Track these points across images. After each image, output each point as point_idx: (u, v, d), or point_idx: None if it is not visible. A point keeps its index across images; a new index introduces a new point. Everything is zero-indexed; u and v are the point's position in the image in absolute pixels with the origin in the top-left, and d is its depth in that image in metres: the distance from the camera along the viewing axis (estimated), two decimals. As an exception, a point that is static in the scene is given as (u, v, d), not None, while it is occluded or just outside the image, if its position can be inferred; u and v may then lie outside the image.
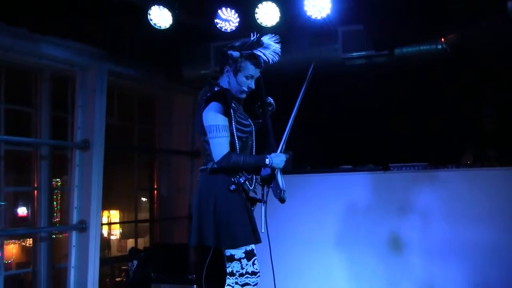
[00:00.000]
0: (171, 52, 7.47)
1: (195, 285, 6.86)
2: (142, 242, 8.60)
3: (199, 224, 3.72)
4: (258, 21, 5.88)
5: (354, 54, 6.63)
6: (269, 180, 3.81)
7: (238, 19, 6.01)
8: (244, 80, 3.78)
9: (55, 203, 7.17)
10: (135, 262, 7.35)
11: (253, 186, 3.81)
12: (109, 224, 8.43)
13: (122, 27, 7.05)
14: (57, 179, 7.33)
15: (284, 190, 3.78)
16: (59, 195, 7.29)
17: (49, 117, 6.83)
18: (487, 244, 5.88)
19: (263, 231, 3.74)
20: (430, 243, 6.15)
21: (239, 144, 3.73)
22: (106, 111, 6.99)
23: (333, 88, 7.28)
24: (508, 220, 5.87)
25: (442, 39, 6.29)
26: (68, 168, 6.99)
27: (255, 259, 3.70)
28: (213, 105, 3.65)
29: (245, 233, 3.67)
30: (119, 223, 8.71)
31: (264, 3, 5.82)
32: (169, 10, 5.96)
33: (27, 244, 7.18)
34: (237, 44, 3.80)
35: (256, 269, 3.71)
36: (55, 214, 7.20)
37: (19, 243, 7.24)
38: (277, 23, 5.89)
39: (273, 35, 3.82)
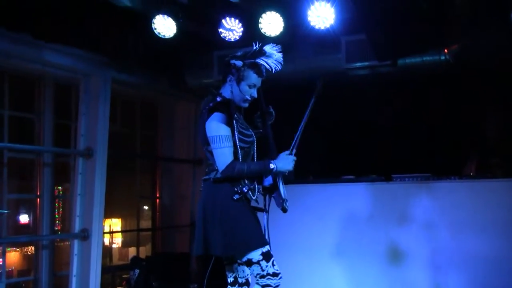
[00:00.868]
0: (175, 60, 7.49)
1: (196, 294, 6.85)
2: (144, 251, 8.59)
3: (204, 234, 3.69)
4: (261, 30, 5.90)
5: (357, 64, 6.64)
6: (272, 190, 3.80)
7: (241, 29, 6.03)
8: (247, 89, 3.79)
9: (57, 210, 7.17)
10: (137, 271, 7.34)
11: (255, 196, 3.79)
12: (111, 232, 8.42)
13: (126, 35, 7.06)
14: (60, 187, 7.34)
15: (286, 200, 3.77)
16: (61, 203, 7.29)
17: (52, 124, 6.85)
18: (489, 255, 5.87)
19: None
20: (432, 254, 6.14)
21: (241, 154, 3.72)
22: (109, 118, 6.99)
23: (336, 98, 7.27)
24: (510, 231, 5.86)
25: (445, 50, 6.29)
26: (71, 176, 6.99)
27: (273, 260, 3.67)
28: (216, 115, 3.65)
29: (259, 235, 3.67)
30: (121, 231, 8.70)
31: (268, 13, 5.83)
32: (173, 19, 5.98)
33: (29, 252, 7.18)
34: (239, 53, 3.82)
35: (277, 270, 3.67)
36: (57, 222, 7.19)
37: (20, 251, 7.24)
38: (281, 33, 5.90)
39: (275, 44, 3.83)
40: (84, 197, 6.79)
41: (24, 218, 7.10)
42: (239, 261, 3.80)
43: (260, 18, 5.87)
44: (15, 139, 6.52)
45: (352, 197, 6.58)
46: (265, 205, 3.82)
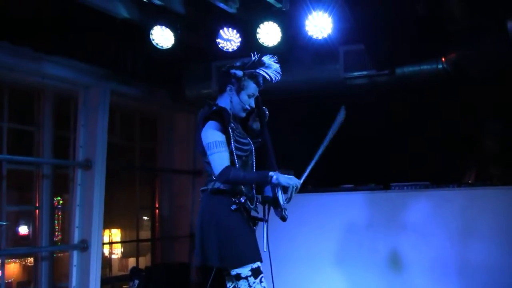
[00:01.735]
0: (173, 71, 7.51)
1: (196, 305, 6.83)
2: (144, 261, 8.58)
3: (202, 245, 3.70)
4: (259, 41, 5.91)
5: (355, 73, 6.67)
6: (272, 199, 3.76)
7: (239, 39, 6.04)
8: (247, 98, 3.82)
9: (56, 222, 7.16)
10: (136, 281, 7.33)
11: (254, 205, 3.78)
12: (111, 243, 8.41)
13: (125, 47, 7.08)
14: (59, 198, 7.33)
15: (285, 209, 3.74)
16: (61, 214, 7.28)
17: (52, 136, 6.85)
18: (488, 263, 5.87)
19: (265, 250, 3.72)
20: (431, 262, 6.14)
21: (239, 163, 3.72)
22: (108, 130, 7.00)
23: (334, 107, 7.28)
24: (509, 239, 5.86)
25: (443, 59, 6.31)
26: (70, 187, 6.99)
27: (262, 277, 3.66)
28: (210, 123, 3.66)
29: (251, 251, 3.66)
30: (121, 242, 8.69)
31: (265, 23, 5.84)
32: (171, 30, 5.99)
33: (28, 263, 7.17)
34: (238, 63, 3.85)
35: (264, 287, 3.67)
36: (56, 233, 7.19)
37: (20, 262, 7.23)
38: (279, 43, 5.92)
39: (272, 55, 3.86)
40: (83, 208, 6.79)
41: (23, 230, 7.10)
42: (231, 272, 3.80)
43: (258, 29, 5.88)
44: (14, 151, 6.53)
45: (351, 206, 6.58)
46: (264, 214, 3.79)
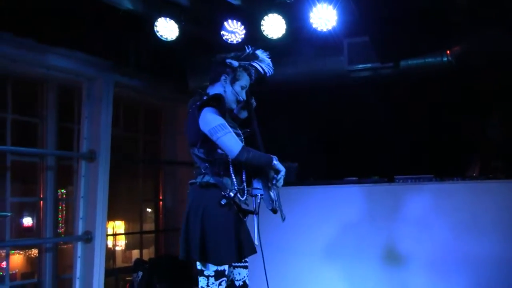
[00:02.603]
0: (177, 63, 7.50)
1: (199, 297, 6.83)
2: (147, 253, 8.59)
3: (186, 238, 3.66)
4: (264, 33, 5.90)
5: (360, 66, 6.66)
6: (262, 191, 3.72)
7: (244, 31, 6.03)
8: (240, 89, 3.83)
9: (60, 213, 7.17)
10: (140, 273, 7.35)
11: (244, 197, 3.73)
12: (114, 235, 8.43)
13: (129, 39, 7.08)
14: (63, 190, 7.35)
15: (275, 201, 3.70)
16: (65, 206, 7.30)
17: (56, 128, 6.85)
18: (492, 256, 5.87)
19: (256, 243, 3.67)
20: (434, 255, 6.14)
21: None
22: (112, 122, 7.00)
23: (338, 100, 7.29)
24: (513, 233, 5.86)
25: (447, 51, 6.30)
26: (74, 179, 7.00)
27: (222, 281, 3.63)
28: (208, 109, 3.63)
29: (228, 252, 3.61)
30: (124, 234, 8.71)
31: (270, 15, 5.83)
32: (175, 22, 5.99)
33: (32, 255, 7.19)
34: (232, 54, 3.86)
35: None
36: (60, 224, 7.20)
37: (24, 254, 7.25)
38: (283, 35, 5.91)
39: (264, 50, 3.89)
40: (87, 200, 6.81)
41: (27, 221, 7.10)
42: (233, 264, 3.78)
43: (262, 21, 5.87)
44: (18, 142, 6.54)
45: (354, 199, 6.58)
46: (255, 207, 3.73)
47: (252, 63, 3.81)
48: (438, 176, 6.41)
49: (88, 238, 6.73)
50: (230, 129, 3.62)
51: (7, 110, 6.44)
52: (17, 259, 7.16)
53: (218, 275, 3.62)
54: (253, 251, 3.73)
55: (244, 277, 3.88)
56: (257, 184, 3.73)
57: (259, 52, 3.85)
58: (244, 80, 3.83)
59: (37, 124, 6.80)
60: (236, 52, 3.88)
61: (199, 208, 3.63)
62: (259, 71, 3.83)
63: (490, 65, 6.56)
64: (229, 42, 6.07)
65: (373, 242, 6.38)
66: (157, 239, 8.76)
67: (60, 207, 7.17)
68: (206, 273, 3.63)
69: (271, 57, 3.89)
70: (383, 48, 6.41)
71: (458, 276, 6.00)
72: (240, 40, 6.05)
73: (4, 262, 6.44)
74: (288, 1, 5.59)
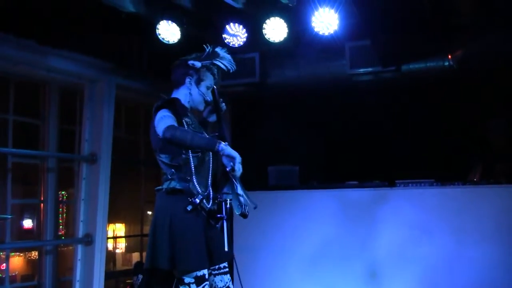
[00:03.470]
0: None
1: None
2: (148, 256, 8.56)
3: (153, 246, 3.61)
4: (265, 36, 5.91)
5: (361, 70, 6.66)
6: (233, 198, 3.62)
7: (246, 34, 6.04)
8: (206, 90, 3.85)
9: (61, 216, 7.17)
10: (140, 276, 7.33)
11: (210, 204, 3.67)
12: (115, 238, 8.42)
13: (131, 41, 7.08)
14: (63, 192, 7.34)
15: (245, 205, 3.61)
16: (65, 208, 7.29)
17: (57, 130, 6.84)
18: (493, 261, 5.86)
19: (226, 249, 3.55)
20: (435, 260, 6.13)
21: (194, 161, 3.64)
22: (113, 124, 6.99)
23: (340, 104, 7.29)
24: (514, 237, 5.85)
25: (449, 56, 6.30)
26: (75, 181, 6.99)
27: (205, 285, 3.59)
28: (162, 111, 3.61)
29: (198, 258, 3.57)
30: (125, 237, 8.70)
31: (272, 18, 5.84)
32: (177, 25, 5.99)
33: (32, 257, 7.18)
34: (193, 55, 3.88)
35: None
36: (61, 227, 7.19)
37: (24, 256, 7.24)
38: (285, 39, 5.91)
39: (222, 48, 3.90)
40: (88, 202, 6.79)
41: (28, 223, 7.10)
42: (213, 272, 3.76)
43: (264, 24, 5.88)
44: (19, 144, 6.53)
45: (355, 203, 6.58)
46: (224, 212, 3.64)
47: (214, 62, 3.83)
48: (439, 180, 6.40)
49: (88, 240, 6.71)
50: (173, 120, 3.54)
51: (8, 111, 6.44)
52: (17, 261, 7.16)
53: (199, 280, 3.57)
54: (226, 257, 3.71)
55: (227, 282, 3.83)
56: (226, 189, 3.65)
57: (219, 50, 3.87)
58: (209, 80, 3.85)
59: (38, 126, 6.80)
60: (196, 53, 3.90)
61: (167, 215, 3.58)
62: (222, 68, 3.84)
63: (492, 69, 6.56)
64: (231, 45, 6.07)
65: (375, 246, 6.37)
66: (157, 242, 8.72)
67: (60, 209, 7.17)
68: (186, 280, 3.57)
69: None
70: (384, 52, 6.41)
71: (460, 280, 5.99)
72: (241, 43, 6.06)
73: (4, 264, 6.43)
74: (290, 5, 5.59)
